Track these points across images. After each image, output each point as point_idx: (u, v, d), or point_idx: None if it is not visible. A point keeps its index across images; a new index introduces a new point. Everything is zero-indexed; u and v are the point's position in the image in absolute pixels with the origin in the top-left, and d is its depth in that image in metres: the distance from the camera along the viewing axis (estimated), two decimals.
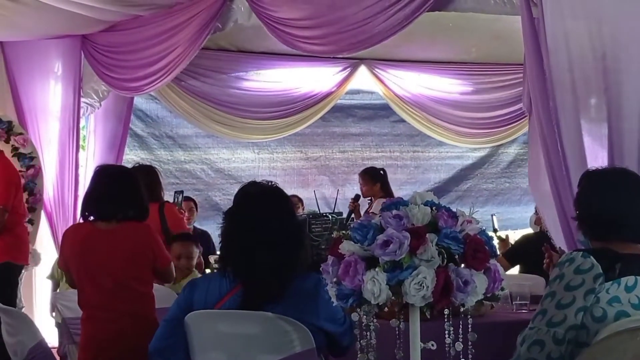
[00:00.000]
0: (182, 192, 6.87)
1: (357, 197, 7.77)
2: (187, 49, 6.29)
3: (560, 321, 2.85)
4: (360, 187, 7.91)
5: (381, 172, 7.93)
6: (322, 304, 2.97)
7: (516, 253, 5.89)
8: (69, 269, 4.31)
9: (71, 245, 4.27)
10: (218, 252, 6.87)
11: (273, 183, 3.37)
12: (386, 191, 7.78)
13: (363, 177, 7.90)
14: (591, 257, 2.89)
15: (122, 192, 4.24)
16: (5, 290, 5.88)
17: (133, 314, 4.16)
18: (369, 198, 7.84)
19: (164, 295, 4.64)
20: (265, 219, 3.15)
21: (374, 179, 7.82)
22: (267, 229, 3.12)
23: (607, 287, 2.87)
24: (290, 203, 3.39)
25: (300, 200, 8.34)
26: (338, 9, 5.22)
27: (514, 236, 7.32)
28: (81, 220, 4.37)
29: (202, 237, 7.77)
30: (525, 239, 6.16)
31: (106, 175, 4.35)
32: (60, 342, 4.68)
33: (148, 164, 6.69)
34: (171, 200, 6.45)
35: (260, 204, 3.22)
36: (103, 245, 4.15)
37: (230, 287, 3.13)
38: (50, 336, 4.81)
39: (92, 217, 4.25)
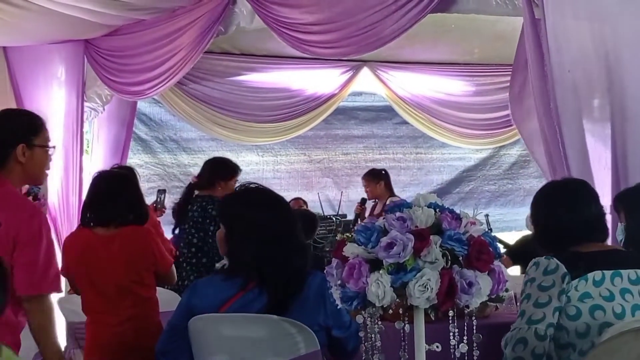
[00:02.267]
0: (164, 191, 6.91)
1: (363, 201, 7.79)
2: (189, 52, 6.30)
3: (539, 319, 2.95)
4: (365, 189, 7.93)
5: (383, 172, 7.97)
6: (329, 303, 2.97)
7: (515, 253, 5.91)
8: (71, 276, 4.32)
9: (71, 253, 4.28)
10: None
11: (256, 184, 3.36)
12: (390, 191, 7.81)
13: (366, 178, 7.93)
14: (554, 258, 3.01)
15: (120, 197, 4.25)
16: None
17: (136, 318, 4.17)
18: (374, 200, 7.85)
19: (168, 299, 4.65)
20: (272, 219, 3.16)
21: (377, 178, 7.86)
22: (275, 230, 3.13)
23: (575, 284, 2.97)
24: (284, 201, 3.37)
25: (305, 202, 8.35)
26: (347, 12, 5.24)
27: (519, 237, 7.32)
28: (78, 227, 4.38)
29: None
30: (524, 240, 6.16)
31: (104, 181, 4.35)
32: (66, 347, 4.68)
33: (128, 165, 6.69)
34: (154, 199, 6.58)
35: (262, 204, 3.22)
36: (103, 251, 4.15)
37: (237, 290, 3.12)
38: None
39: (91, 223, 4.25)
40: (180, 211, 6.07)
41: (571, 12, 4.03)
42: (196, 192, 5.98)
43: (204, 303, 3.13)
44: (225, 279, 3.17)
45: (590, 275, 2.98)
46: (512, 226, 8.76)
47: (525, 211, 8.80)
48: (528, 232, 6.27)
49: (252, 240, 3.12)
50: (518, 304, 4.21)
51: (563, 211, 3.17)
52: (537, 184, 9.52)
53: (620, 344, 2.74)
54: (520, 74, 4.85)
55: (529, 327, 2.95)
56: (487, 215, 6.71)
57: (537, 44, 4.18)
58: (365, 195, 7.92)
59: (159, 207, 6.59)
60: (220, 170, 6.02)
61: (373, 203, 7.92)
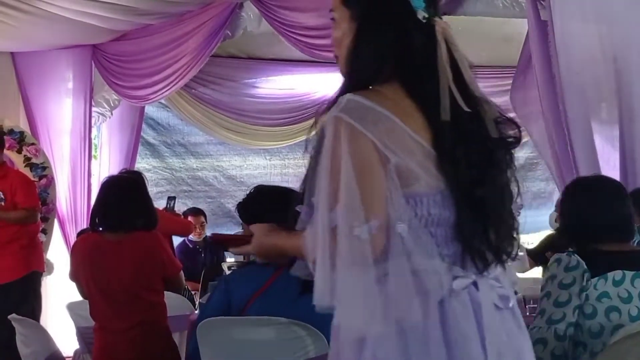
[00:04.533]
0: (174, 198, 6.94)
1: None
2: (196, 56, 6.31)
3: (559, 319, 2.91)
4: None
5: None
6: None
7: (538, 253, 5.87)
8: (80, 281, 4.33)
9: (79, 258, 4.28)
10: (230, 259, 6.90)
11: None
12: None
13: None
14: (575, 255, 2.97)
15: (129, 202, 4.25)
16: (35, 299, 5.93)
17: (145, 323, 4.16)
18: None
19: (176, 304, 4.65)
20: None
21: None
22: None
23: (594, 283, 2.94)
24: None
25: None
26: None
27: (527, 240, 7.30)
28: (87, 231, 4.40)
29: (214, 246, 7.80)
30: (548, 240, 6.13)
31: (113, 186, 4.35)
32: (76, 351, 4.69)
33: (136, 170, 6.72)
34: (165, 206, 6.67)
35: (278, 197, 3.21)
36: (111, 256, 4.15)
37: (266, 279, 3.12)
38: (64, 346, 4.82)
39: (100, 228, 4.26)
40: None
41: (579, 15, 4.03)
42: None
43: (241, 290, 3.13)
44: (258, 268, 3.18)
45: (610, 274, 2.94)
46: (520, 229, 8.72)
47: (534, 214, 8.80)
48: (549, 233, 6.23)
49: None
50: (527, 306, 4.22)
51: (588, 207, 3.14)
52: (545, 186, 9.50)
53: (630, 346, 2.73)
54: (524, 75, 4.84)
55: (548, 327, 2.91)
56: None
57: (543, 46, 4.17)
58: None
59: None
60: None
61: None
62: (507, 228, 1.89)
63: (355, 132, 1.74)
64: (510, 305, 1.86)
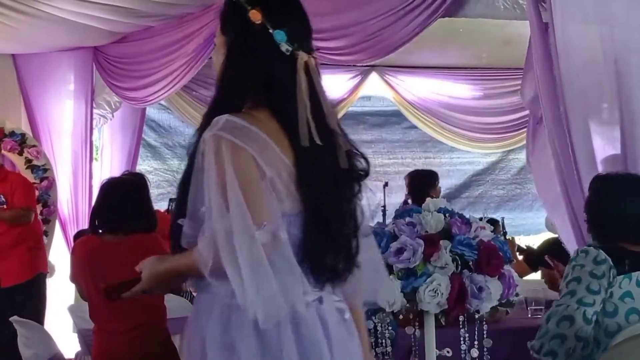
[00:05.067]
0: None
1: (406, 202, 7.73)
2: (195, 57, 6.31)
3: (591, 303, 2.86)
4: (407, 188, 7.90)
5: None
6: None
7: (537, 257, 5.85)
8: (80, 283, 4.33)
9: (79, 259, 4.28)
10: None
11: None
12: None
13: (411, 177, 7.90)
14: (601, 250, 2.95)
15: (128, 204, 4.25)
16: (40, 301, 5.94)
17: (145, 325, 4.16)
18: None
19: (177, 306, 4.65)
20: None
21: None
22: None
23: (619, 281, 2.91)
24: None
25: None
26: (356, 18, 5.25)
27: (527, 242, 7.30)
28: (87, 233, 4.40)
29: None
30: (546, 244, 6.12)
31: (112, 188, 4.35)
32: (77, 353, 4.69)
33: (138, 172, 6.72)
34: (166, 208, 6.63)
35: None
36: (111, 258, 4.14)
37: None
38: (66, 348, 4.82)
39: (100, 230, 4.26)
40: None
41: (580, 16, 4.03)
42: None
43: None
44: None
45: (634, 274, 2.92)
46: (520, 231, 8.73)
47: (535, 215, 8.80)
48: (548, 237, 6.23)
49: None
50: (529, 308, 4.22)
51: (614, 203, 3.13)
52: None
53: (633, 348, 2.73)
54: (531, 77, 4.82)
55: (578, 307, 2.86)
56: (502, 219, 6.72)
57: (545, 48, 4.17)
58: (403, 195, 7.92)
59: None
60: None
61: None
62: (347, 251, 2.03)
63: (236, 147, 1.88)
64: (346, 317, 2.06)
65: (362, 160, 2.11)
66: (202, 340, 1.95)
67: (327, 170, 2.01)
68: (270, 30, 2.01)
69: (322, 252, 1.97)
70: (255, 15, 2.02)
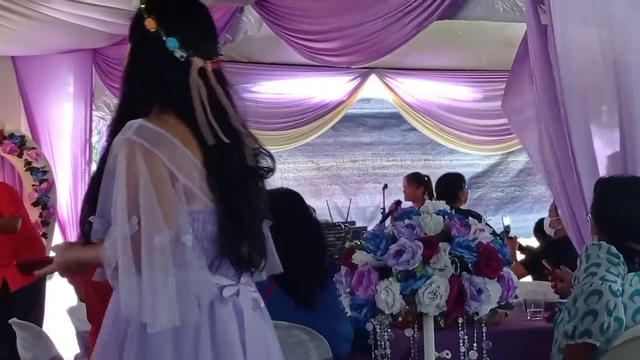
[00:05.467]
0: None
1: (399, 202, 7.79)
2: None
3: (614, 280, 2.87)
4: (404, 190, 7.95)
5: (426, 178, 8.00)
6: None
7: (535, 261, 5.83)
8: (77, 284, 4.32)
9: None
10: None
11: (283, 187, 3.42)
12: (429, 199, 7.80)
13: (408, 180, 7.95)
14: (612, 246, 2.97)
15: None
16: (41, 304, 5.94)
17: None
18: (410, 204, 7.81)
19: None
20: (288, 214, 3.18)
21: (419, 183, 7.87)
22: (291, 223, 3.14)
23: (631, 278, 2.91)
24: (302, 200, 3.40)
25: (313, 210, 8.34)
26: (354, 20, 5.25)
27: (526, 244, 7.29)
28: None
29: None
30: (544, 247, 6.11)
31: None
32: (76, 355, 4.69)
33: None
34: None
35: (280, 202, 3.24)
36: None
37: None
38: (65, 350, 4.81)
39: None
40: None
41: (579, 18, 4.02)
42: None
43: None
44: None
45: None
46: (520, 233, 8.71)
47: (535, 217, 8.80)
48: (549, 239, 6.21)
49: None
50: (528, 310, 4.22)
51: (617, 205, 3.15)
52: (545, 190, 9.50)
53: (633, 349, 2.73)
54: (519, 80, 4.80)
55: (602, 282, 2.87)
56: (504, 217, 6.75)
57: (543, 50, 4.17)
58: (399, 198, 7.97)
59: None
60: None
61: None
62: (259, 243, 2.18)
63: (148, 153, 1.98)
64: (262, 306, 2.21)
65: (267, 158, 2.26)
66: (122, 336, 2.04)
67: (234, 167, 2.13)
68: (164, 38, 2.11)
69: (239, 244, 2.09)
70: (150, 24, 2.13)
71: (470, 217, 2.57)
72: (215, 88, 2.15)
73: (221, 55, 2.23)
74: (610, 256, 2.95)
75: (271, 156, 2.27)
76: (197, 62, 2.13)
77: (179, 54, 2.11)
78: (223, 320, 2.04)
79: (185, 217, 2.01)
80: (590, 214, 3.37)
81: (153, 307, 1.92)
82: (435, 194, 6.80)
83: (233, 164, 2.12)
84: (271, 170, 2.24)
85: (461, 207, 6.50)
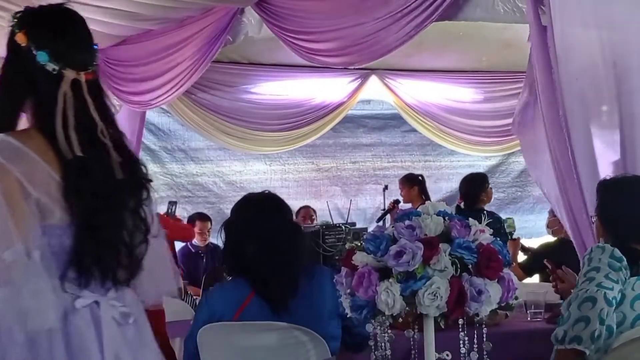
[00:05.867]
0: (175, 202, 6.97)
1: (397, 201, 7.83)
2: (197, 62, 6.31)
3: (610, 287, 2.86)
4: (400, 192, 7.98)
5: (419, 177, 8.03)
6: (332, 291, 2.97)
7: (535, 262, 5.82)
8: None
9: None
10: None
11: (266, 191, 3.42)
12: (424, 196, 7.83)
13: (402, 182, 8.01)
14: (616, 249, 2.96)
15: None
16: None
17: None
18: (408, 204, 7.84)
19: (177, 309, 4.64)
20: (262, 220, 3.19)
21: (412, 182, 7.92)
22: (264, 230, 3.15)
23: (632, 282, 2.91)
24: (284, 204, 3.40)
25: (314, 211, 8.36)
26: (352, 20, 5.25)
27: (528, 245, 7.30)
28: None
29: (215, 251, 7.81)
30: (544, 247, 6.10)
31: None
32: None
33: None
34: (166, 211, 6.69)
35: (255, 208, 3.26)
36: None
37: (247, 294, 3.13)
38: None
39: None
40: None
41: (579, 20, 4.02)
42: None
43: (225, 307, 3.14)
44: (233, 283, 3.24)
45: None
46: (521, 234, 8.72)
47: (536, 218, 8.82)
48: (546, 241, 6.22)
49: (241, 245, 3.16)
50: (528, 311, 4.22)
51: (626, 205, 3.15)
52: None
53: (632, 351, 2.73)
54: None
55: (598, 289, 2.86)
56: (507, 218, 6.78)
57: (544, 51, 4.17)
58: (398, 198, 8.00)
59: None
60: None
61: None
62: (128, 256, 2.18)
63: (3, 169, 2.01)
64: (131, 321, 2.20)
65: (143, 167, 2.29)
66: None
67: (97, 181, 2.12)
68: (34, 52, 2.13)
69: (94, 259, 2.10)
70: (21, 38, 2.15)
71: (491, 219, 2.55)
72: (87, 100, 2.16)
73: (96, 65, 2.24)
74: (613, 260, 2.94)
75: (144, 165, 2.31)
76: (69, 74, 2.14)
77: (50, 67, 2.13)
78: (77, 329, 2.08)
79: (37, 231, 2.04)
80: (595, 216, 3.37)
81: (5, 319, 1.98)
82: (461, 196, 6.79)
83: (95, 178, 2.12)
84: (147, 178, 2.29)
85: (484, 208, 6.54)
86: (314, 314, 3.08)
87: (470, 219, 2.53)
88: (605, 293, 2.85)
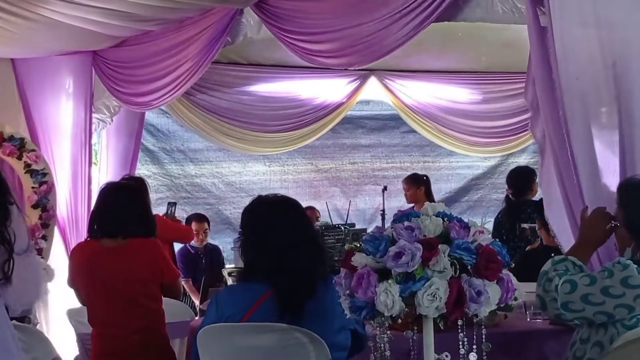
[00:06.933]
0: (175, 203, 6.98)
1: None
2: (197, 63, 6.31)
3: (599, 302, 2.87)
4: (405, 192, 7.97)
5: (424, 177, 8.02)
6: None
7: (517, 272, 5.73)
8: (78, 288, 4.32)
9: (78, 264, 4.28)
10: (229, 265, 6.93)
11: (279, 194, 3.42)
12: (429, 197, 7.82)
13: (407, 182, 7.99)
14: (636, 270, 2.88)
15: (128, 209, 4.25)
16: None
17: (143, 330, 4.16)
18: (412, 205, 7.83)
19: (177, 310, 4.64)
20: (287, 221, 3.18)
21: (418, 183, 7.90)
22: (291, 232, 3.15)
23: None
24: (302, 209, 3.41)
25: (319, 212, 8.37)
26: (351, 20, 5.24)
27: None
28: (88, 238, 4.38)
29: (213, 252, 7.82)
30: (524, 256, 5.99)
31: (111, 193, 4.35)
32: (76, 357, 4.69)
33: (138, 176, 6.73)
34: (165, 212, 6.70)
35: (277, 209, 3.25)
36: (110, 263, 4.15)
37: (260, 294, 3.12)
38: (65, 352, 4.81)
39: (99, 235, 4.25)
40: None
41: (578, 20, 4.02)
42: None
43: (233, 309, 3.13)
44: (244, 287, 3.22)
45: None
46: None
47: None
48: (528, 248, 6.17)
49: (263, 248, 3.14)
50: (527, 312, 4.21)
51: None
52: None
53: (632, 351, 2.72)
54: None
55: (584, 275, 2.91)
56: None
57: (544, 52, 4.17)
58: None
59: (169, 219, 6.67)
60: None
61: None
62: None
63: None
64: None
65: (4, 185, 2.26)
66: None
67: None
68: None
69: None
70: None
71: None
72: None
73: None
74: (623, 286, 2.88)
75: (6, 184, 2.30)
76: None
77: None
78: None
79: None
80: (619, 223, 3.24)
81: None
82: (511, 187, 6.96)
83: None
84: (11, 202, 2.27)
85: (533, 199, 6.69)
86: (324, 320, 3.07)
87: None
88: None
